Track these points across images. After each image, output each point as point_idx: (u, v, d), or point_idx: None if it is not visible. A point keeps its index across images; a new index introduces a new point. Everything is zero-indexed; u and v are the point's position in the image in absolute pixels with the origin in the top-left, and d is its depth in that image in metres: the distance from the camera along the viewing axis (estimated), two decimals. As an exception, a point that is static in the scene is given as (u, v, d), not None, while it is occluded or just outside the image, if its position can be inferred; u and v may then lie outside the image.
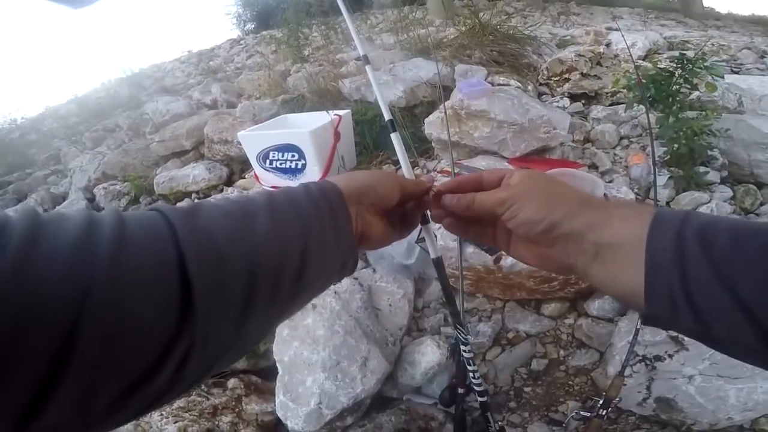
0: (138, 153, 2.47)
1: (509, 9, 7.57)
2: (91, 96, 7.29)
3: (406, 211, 0.42)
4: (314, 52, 3.70)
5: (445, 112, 1.44)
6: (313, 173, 1.59)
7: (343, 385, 1.07)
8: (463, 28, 2.98)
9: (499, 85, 1.99)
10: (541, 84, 2.39)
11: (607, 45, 3.08)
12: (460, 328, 0.90)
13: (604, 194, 1.34)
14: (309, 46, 3.81)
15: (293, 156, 1.59)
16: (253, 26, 14.97)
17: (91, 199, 2.36)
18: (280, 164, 1.63)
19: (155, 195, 2.17)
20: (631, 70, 1.90)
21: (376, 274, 1.34)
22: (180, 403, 1.22)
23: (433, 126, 1.72)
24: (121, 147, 2.63)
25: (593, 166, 1.63)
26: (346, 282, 1.26)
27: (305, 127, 1.59)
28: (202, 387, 1.26)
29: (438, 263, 0.78)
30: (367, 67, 0.98)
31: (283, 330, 1.20)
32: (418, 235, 1.26)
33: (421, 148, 1.84)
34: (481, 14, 3.01)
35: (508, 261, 1.20)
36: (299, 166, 1.61)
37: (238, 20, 16.52)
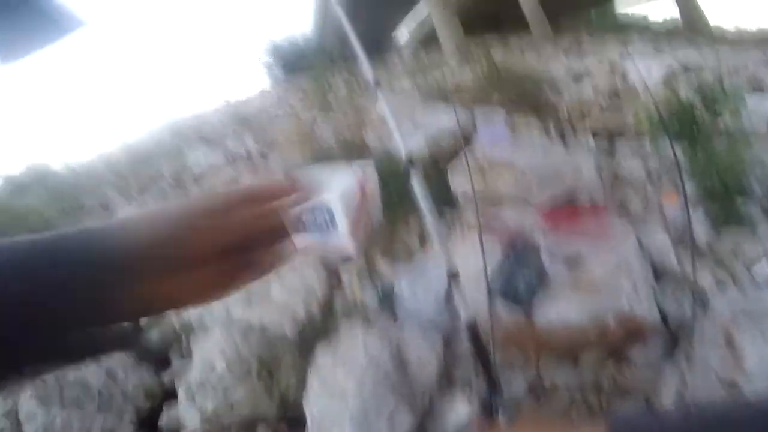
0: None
1: (521, 44, 7.65)
2: (139, 144, 7.75)
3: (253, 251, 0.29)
4: (338, 100, 3.80)
5: (468, 167, 1.44)
6: (342, 232, 1.59)
7: (371, 440, 1.05)
8: (479, 69, 3.02)
9: (520, 131, 1.97)
10: (562, 122, 2.36)
11: (623, 75, 3.03)
12: (492, 382, 0.85)
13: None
14: (332, 92, 3.92)
15: (325, 214, 1.60)
16: (281, 74, 15.84)
17: None
18: (312, 221, 1.65)
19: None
20: (650, 104, 1.85)
21: (404, 329, 1.33)
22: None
23: (457, 178, 1.71)
24: (164, 197, 2.78)
25: (623, 207, 1.58)
26: (375, 336, 1.25)
27: (334, 185, 1.60)
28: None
29: (472, 328, 0.73)
30: (379, 93, 0.91)
31: (313, 382, 1.19)
32: (446, 290, 1.24)
33: (445, 196, 1.82)
34: (496, 50, 3.06)
35: (539, 316, 1.16)
36: (332, 224, 1.62)
37: (269, 69, 17.38)
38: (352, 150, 2.46)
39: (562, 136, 2.19)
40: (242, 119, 5.33)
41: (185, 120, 8.57)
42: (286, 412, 1.28)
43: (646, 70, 2.87)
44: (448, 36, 8.28)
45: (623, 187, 1.67)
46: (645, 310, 1.12)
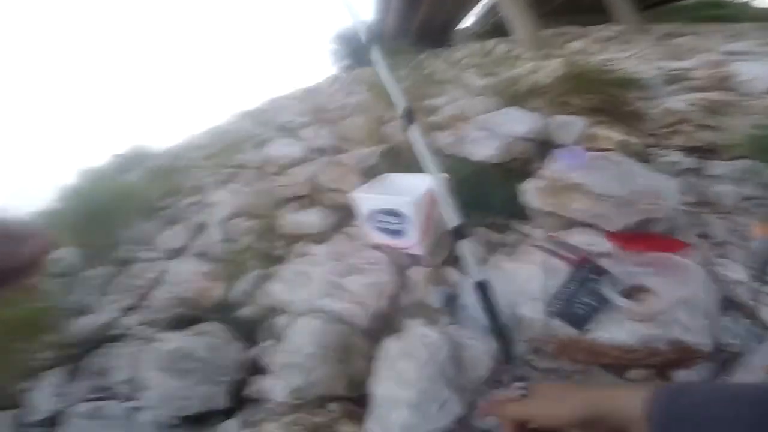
0: (264, 193, 2.87)
1: (605, 35, 6.95)
2: (223, 128, 8.45)
3: None
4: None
5: (539, 182, 1.47)
6: (413, 236, 1.73)
7: (423, 422, 1.21)
8: (555, 66, 2.88)
9: (600, 149, 1.92)
10: (648, 135, 2.21)
11: (728, 79, 2.72)
12: (504, 343, 0.82)
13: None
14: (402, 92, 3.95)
15: (396, 219, 1.75)
16: (348, 63, 15.95)
17: (227, 238, 2.71)
18: (385, 225, 1.81)
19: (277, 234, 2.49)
20: (759, 118, 1.70)
21: (463, 329, 1.44)
22: (290, 418, 1.43)
23: (529, 195, 1.72)
24: (250, 185, 3.10)
25: (704, 237, 1.51)
26: (436, 335, 1.38)
27: (407, 192, 1.72)
28: (309, 406, 1.46)
29: (482, 287, 0.74)
30: (411, 129, 0.83)
31: (379, 368, 1.36)
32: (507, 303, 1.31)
33: (515, 209, 1.84)
34: (574, 43, 2.90)
35: (594, 333, 1.21)
36: (401, 230, 1.76)
37: (336, 56, 17.63)
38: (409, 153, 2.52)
39: (647, 152, 2.08)
40: (316, 109, 5.59)
41: (264, 106, 9.14)
42: (354, 393, 1.45)
43: (759, 74, 2.54)
44: (520, 27, 7.50)
45: (709, 214, 1.59)
46: (700, 339, 1.13)
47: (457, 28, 25.21)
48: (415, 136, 0.81)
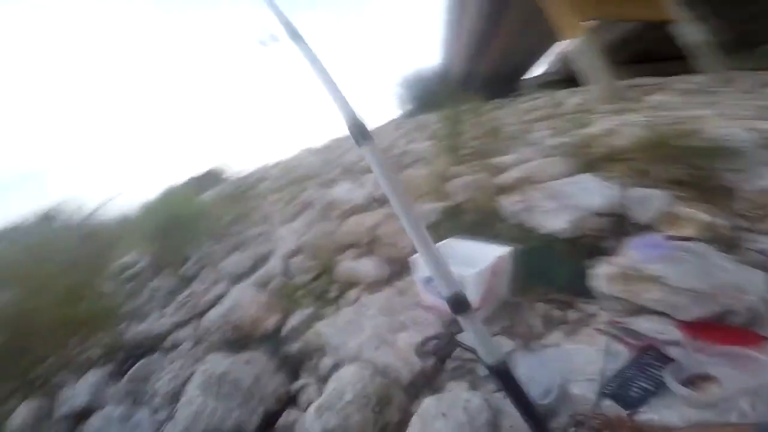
0: (326, 235, 3.01)
1: (688, 86, 6.43)
2: (291, 163, 9.07)
3: None
4: (471, 154, 3.67)
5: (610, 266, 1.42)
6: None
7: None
8: (632, 124, 2.69)
9: (681, 237, 1.79)
10: (737, 216, 1.98)
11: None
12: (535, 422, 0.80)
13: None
14: (465, 145, 3.75)
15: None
16: (411, 107, 16.18)
17: (287, 273, 2.84)
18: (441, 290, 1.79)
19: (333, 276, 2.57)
20: None
21: (506, 400, 1.39)
22: None
23: (598, 278, 1.66)
24: (314, 225, 3.28)
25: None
26: (478, 400, 1.34)
27: (470, 262, 1.71)
28: None
29: (500, 372, 0.69)
30: (365, 149, 0.80)
31: (415, 424, 1.34)
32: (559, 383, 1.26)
33: (581, 287, 1.75)
34: (654, 96, 2.69)
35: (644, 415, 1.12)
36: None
37: (400, 100, 18.00)
38: (483, 215, 2.44)
39: (734, 237, 1.88)
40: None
41: (330, 144, 9.69)
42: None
43: None
44: (594, 77, 7.03)
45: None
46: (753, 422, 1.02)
47: (526, 75, 24.39)
48: (371, 157, 0.76)
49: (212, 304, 2.80)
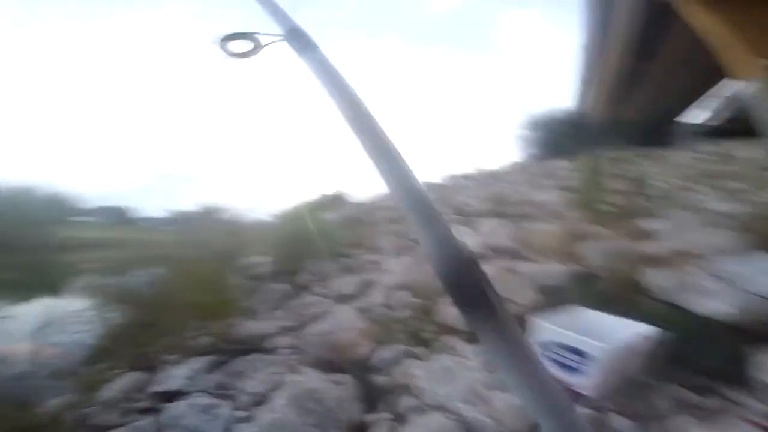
0: (430, 276, 2.94)
1: None
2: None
3: None
4: (611, 212, 3.29)
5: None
6: (590, 382, 1.50)
7: None
8: None
9: None
10: None
11: None
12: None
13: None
14: (604, 201, 3.36)
15: (577, 358, 1.54)
16: (538, 152, 14.91)
17: (388, 305, 2.87)
18: (559, 357, 1.61)
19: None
20: None
21: None
22: None
23: (761, 367, 1.46)
24: (422, 263, 3.25)
25: None
26: None
27: (602, 336, 1.53)
28: None
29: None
30: (307, 55, 0.71)
31: None
32: None
33: (732, 374, 1.54)
34: None
35: None
36: (579, 368, 1.53)
37: (524, 143, 16.66)
38: (622, 286, 2.16)
39: None
40: (496, 198, 5.50)
41: (443, 181, 9.66)
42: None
43: None
44: None
45: None
46: None
47: (682, 121, 19.92)
48: (318, 66, 0.64)
49: (316, 319, 2.95)
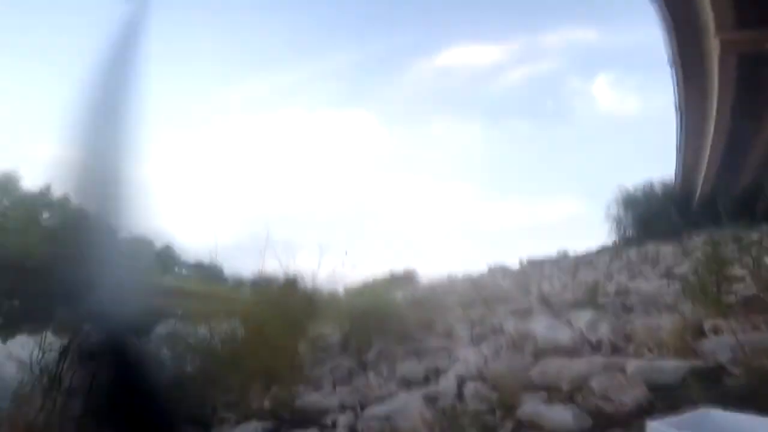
0: (513, 370, 2.71)
1: None
2: (481, 280, 8.94)
3: None
4: (738, 303, 2.89)
5: None
6: None
7: None
8: None
9: None
10: None
11: None
12: None
13: None
14: (728, 290, 2.91)
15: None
16: (633, 234, 12.99)
17: (459, 395, 2.68)
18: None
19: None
20: None
21: None
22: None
23: None
24: (501, 355, 3.03)
25: None
26: None
27: None
28: None
29: None
30: None
31: None
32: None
33: None
34: None
35: None
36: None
37: (617, 224, 14.76)
38: (757, 381, 1.84)
39: None
40: (587, 287, 5.03)
41: (523, 266, 9.10)
42: None
43: None
44: None
45: None
46: None
47: None
48: None
49: (378, 401, 2.82)
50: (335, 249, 5.11)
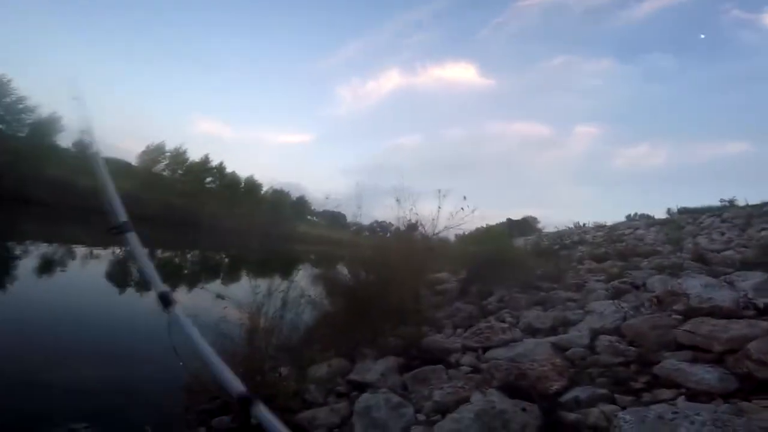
0: (657, 327, 2.63)
1: None
2: (623, 230, 8.21)
3: None
4: None
5: None
6: None
7: None
8: None
9: None
10: None
11: None
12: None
13: None
14: None
15: None
16: None
17: (591, 347, 2.72)
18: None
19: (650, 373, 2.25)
20: None
21: None
22: None
23: None
24: (640, 311, 2.93)
25: None
26: None
27: None
28: None
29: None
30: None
31: None
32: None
33: None
34: None
35: None
36: None
37: None
38: None
39: None
40: (758, 245, 4.37)
41: (679, 216, 7.99)
42: None
43: None
44: None
45: None
46: None
47: None
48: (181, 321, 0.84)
49: (502, 344, 3.04)
50: (454, 195, 5.23)
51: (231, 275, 12.15)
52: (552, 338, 2.97)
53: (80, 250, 11.06)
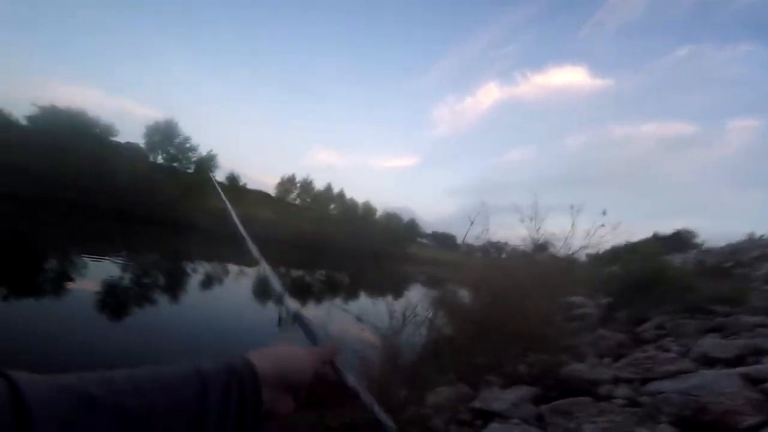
0: None
1: None
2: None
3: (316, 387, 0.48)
4: None
5: None
6: None
7: None
8: None
9: None
10: None
11: None
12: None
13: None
14: None
15: None
16: None
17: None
18: None
19: None
20: None
21: None
22: None
23: None
24: None
25: None
26: None
27: None
28: None
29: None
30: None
31: None
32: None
33: None
34: None
35: None
36: None
37: None
38: None
39: None
40: None
41: None
42: None
43: None
44: None
45: None
46: None
47: None
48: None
49: (669, 376, 2.76)
50: (589, 210, 4.91)
51: (354, 294, 14.42)
52: (740, 369, 2.60)
53: (233, 267, 13.90)
